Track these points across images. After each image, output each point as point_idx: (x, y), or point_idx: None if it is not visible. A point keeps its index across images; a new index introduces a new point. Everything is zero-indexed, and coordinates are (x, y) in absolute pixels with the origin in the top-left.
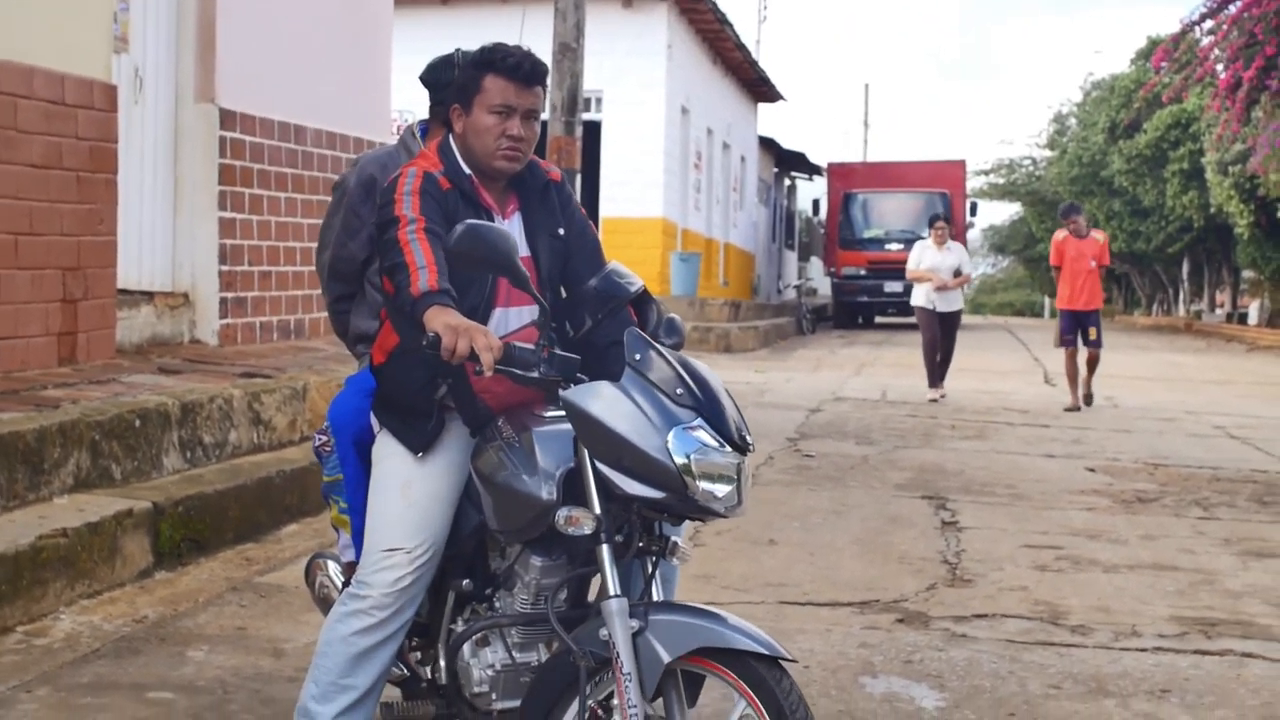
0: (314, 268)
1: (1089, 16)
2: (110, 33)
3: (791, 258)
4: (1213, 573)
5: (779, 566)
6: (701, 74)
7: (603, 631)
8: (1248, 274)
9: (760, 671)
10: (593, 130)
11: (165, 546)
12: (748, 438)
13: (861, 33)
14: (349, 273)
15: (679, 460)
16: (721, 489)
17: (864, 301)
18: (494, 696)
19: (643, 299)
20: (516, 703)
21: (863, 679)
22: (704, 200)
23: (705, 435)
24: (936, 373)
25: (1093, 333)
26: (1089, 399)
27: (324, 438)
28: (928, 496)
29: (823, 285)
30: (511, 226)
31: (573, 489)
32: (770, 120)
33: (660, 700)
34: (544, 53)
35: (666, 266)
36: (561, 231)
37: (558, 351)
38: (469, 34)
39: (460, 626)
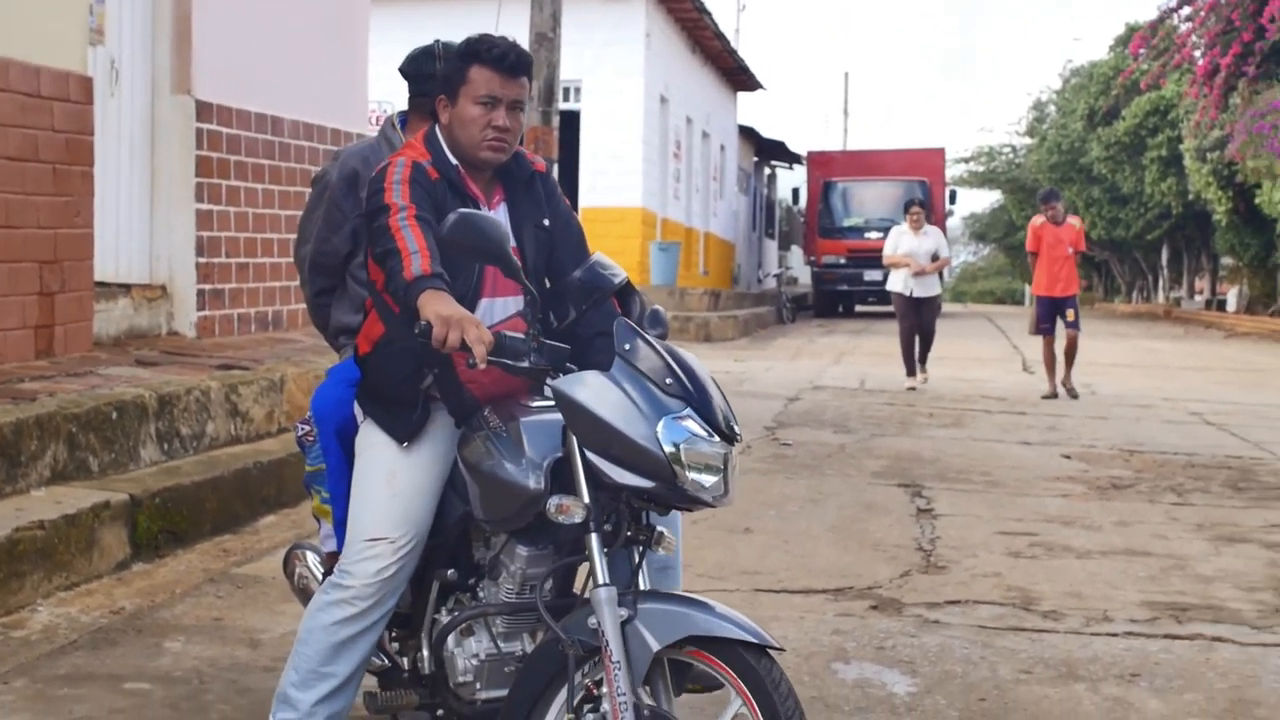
0: (291, 260)
1: (1069, 4)
2: (86, 25)
3: (772, 246)
4: (1185, 558)
5: (754, 554)
6: (680, 63)
7: (591, 620)
8: (1226, 260)
9: (748, 660)
10: (572, 120)
11: (142, 538)
12: (735, 427)
13: (841, 21)
14: (331, 266)
15: (668, 449)
16: (709, 479)
17: (844, 290)
18: (478, 686)
19: (626, 291)
20: (500, 692)
21: (835, 665)
22: (683, 189)
23: (694, 425)
24: (917, 358)
25: (1070, 314)
26: (1073, 392)
27: (307, 428)
28: (904, 484)
29: (803, 274)
30: (497, 217)
31: (560, 478)
32: (750, 109)
33: (646, 688)
34: (521, 42)
35: (646, 256)
36: (546, 222)
37: (547, 341)
38: (446, 24)
39: (444, 616)
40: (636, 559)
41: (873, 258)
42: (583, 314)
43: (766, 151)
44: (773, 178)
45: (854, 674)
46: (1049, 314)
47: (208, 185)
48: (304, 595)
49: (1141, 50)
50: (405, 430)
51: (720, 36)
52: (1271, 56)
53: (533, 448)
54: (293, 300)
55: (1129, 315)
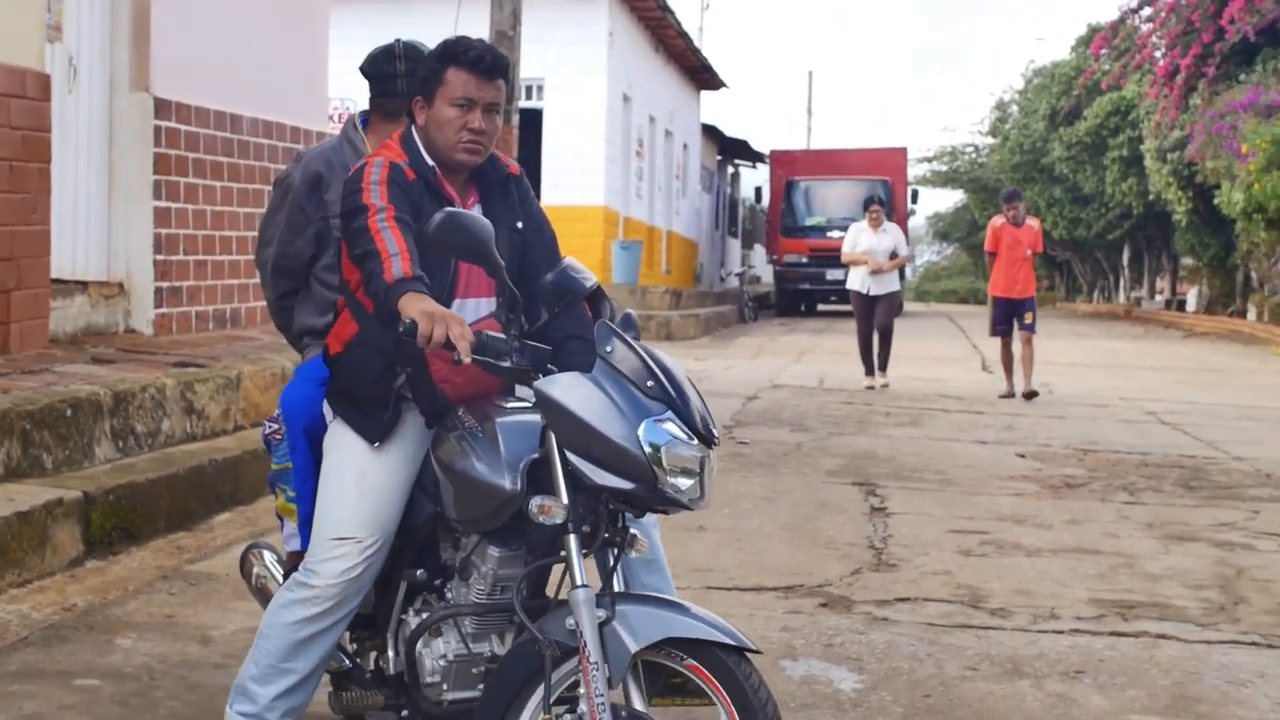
0: (249, 256)
1: (1032, 5)
2: (44, 21)
3: (735, 245)
4: (1134, 556)
5: (706, 552)
6: (643, 61)
7: (569, 621)
8: (1186, 261)
9: (726, 662)
10: (534, 118)
11: (96, 535)
12: (714, 430)
13: (805, 20)
14: (294, 269)
15: (649, 451)
16: (686, 481)
17: (806, 289)
18: (445, 687)
19: (596, 295)
20: (468, 693)
21: (783, 662)
22: (646, 188)
23: (674, 428)
24: (876, 362)
25: (1028, 317)
26: (1032, 394)
27: (274, 426)
28: (858, 483)
29: (766, 273)
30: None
31: (536, 479)
32: (714, 108)
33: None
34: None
35: (608, 254)
36: (520, 225)
37: (529, 342)
38: (406, 21)
39: (412, 616)
40: (612, 561)
41: (835, 257)
42: (554, 317)
43: (730, 150)
44: (736, 176)
45: (801, 671)
46: (1006, 316)
47: (166, 183)
48: (262, 595)
49: (1103, 51)
50: (376, 430)
51: (683, 35)
52: (1231, 58)
53: (508, 448)
54: (251, 298)
55: (1090, 315)
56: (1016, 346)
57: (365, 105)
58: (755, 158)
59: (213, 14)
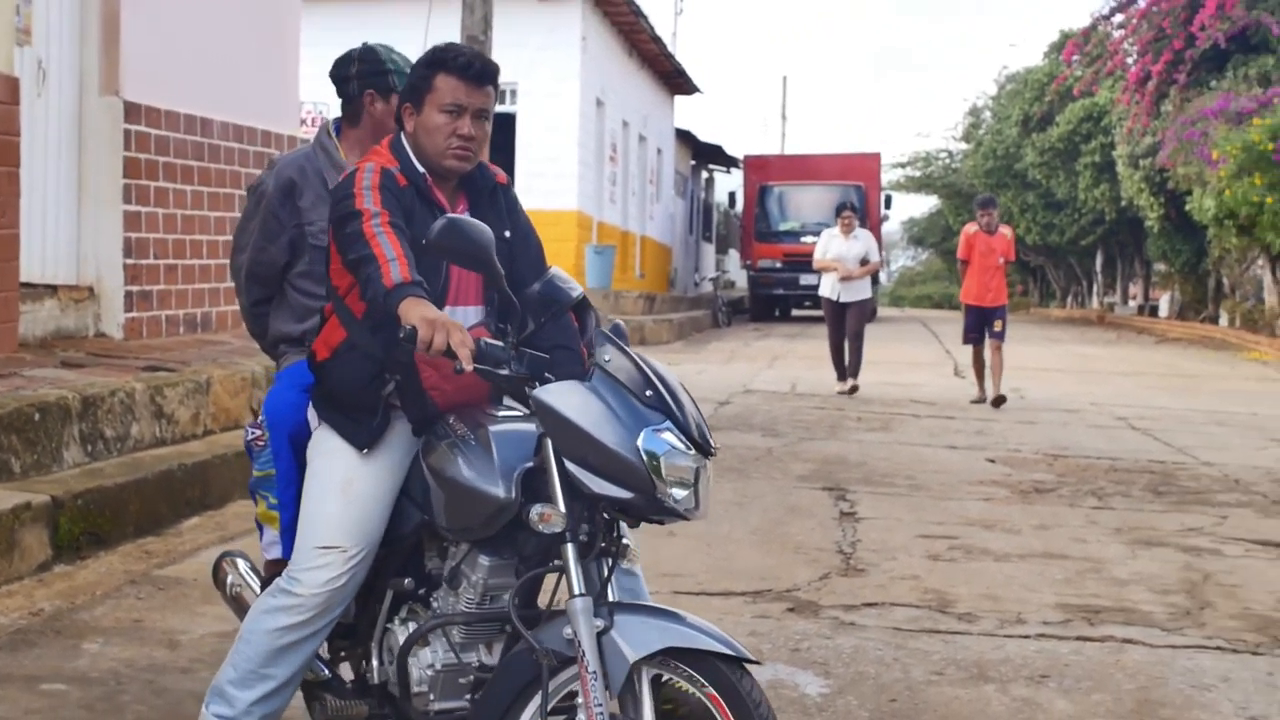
0: (220, 261)
1: (1005, 10)
2: (12, 25)
3: (709, 250)
4: (1101, 561)
5: (675, 557)
6: (617, 66)
7: (566, 630)
8: (1159, 266)
9: (725, 673)
10: (507, 122)
11: (64, 540)
12: (711, 440)
13: (779, 26)
14: (268, 276)
15: (648, 461)
16: (682, 491)
17: (779, 294)
18: (432, 697)
19: (582, 305)
20: (454, 703)
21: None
22: (620, 193)
23: (672, 437)
24: (847, 366)
25: (998, 325)
26: (1000, 400)
27: (257, 431)
28: (828, 488)
29: (740, 278)
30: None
31: (529, 488)
32: (688, 113)
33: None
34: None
35: (581, 259)
36: (508, 234)
37: (527, 350)
38: (378, 25)
39: (398, 625)
40: (606, 571)
41: (808, 262)
42: (541, 326)
43: (704, 155)
44: (710, 181)
45: (768, 675)
46: (977, 324)
47: (136, 187)
48: (237, 604)
49: (1075, 57)
50: (365, 437)
51: (657, 40)
52: (1202, 64)
53: (502, 457)
54: (222, 302)
55: (1063, 320)
56: (987, 353)
57: (338, 110)
58: (729, 163)
59: (183, 17)
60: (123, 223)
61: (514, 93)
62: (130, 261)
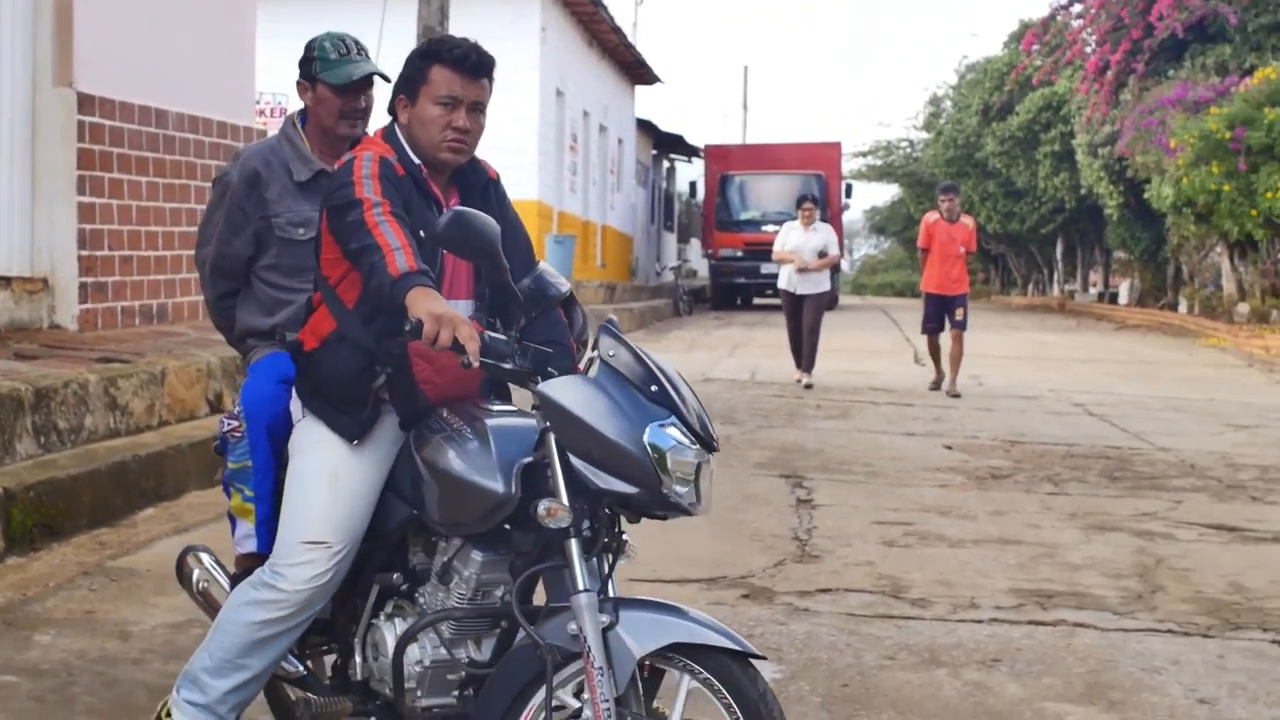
0: (175, 252)
1: (966, 0)
2: None
3: (670, 239)
4: (1055, 546)
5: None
6: (577, 57)
7: (570, 626)
8: (1119, 254)
9: (732, 668)
10: None
11: (16, 532)
12: (714, 435)
13: (740, 15)
14: (233, 270)
15: (654, 456)
16: (686, 486)
17: (741, 283)
18: (419, 693)
19: (569, 300)
20: (441, 700)
21: None
22: (580, 182)
23: (677, 432)
24: (802, 359)
25: (959, 314)
26: (955, 394)
27: (234, 423)
28: (785, 475)
29: (701, 267)
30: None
31: (528, 484)
32: (649, 103)
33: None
34: (408, 36)
35: (542, 249)
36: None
37: (530, 344)
38: (334, 15)
39: (383, 621)
40: (608, 567)
41: (769, 251)
42: (531, 321)
43: (665, 145)
44: (672, 171)
45: None
46: (938, 312)
47: (90, 178)
48: (205, 599)
49: (1034, 46)
50: (355, 428)
51: (617, 30)
52: (1160, 54)
53: (500, 451)
54: (178, 293)
55: (1024, 308)
56: (946, 341)
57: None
58: (691, 152)
59: (137, 9)
60: (77, 214)
61: None
62: (85, 253)
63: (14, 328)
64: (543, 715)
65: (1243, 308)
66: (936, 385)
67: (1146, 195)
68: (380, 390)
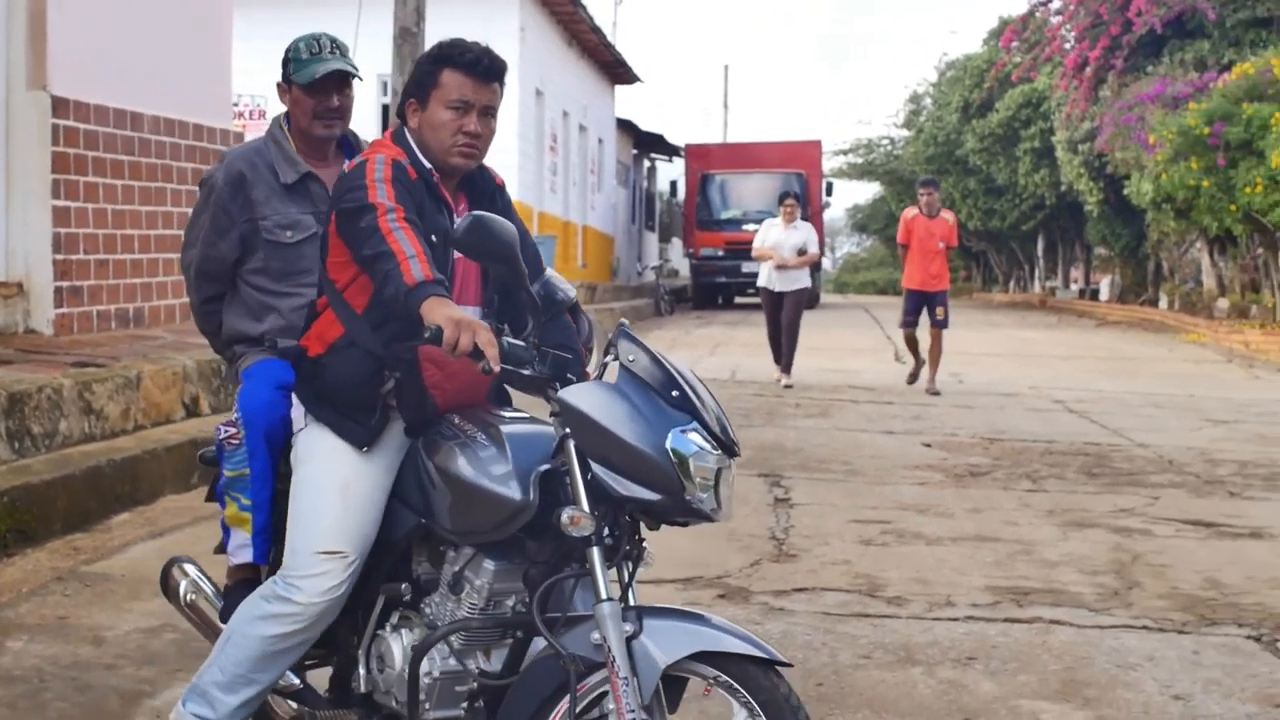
0: (152, 255)
1: None
2: None
3: (652, 239)
4: (1032, 543)
5: None
6: (556, 56)
7: (594, 636)
8: (1099, 251)
9: (759, 676)
10: None
11: None
12: (735, 440)
13: (720, 15)
14: (218, 273)
15: (676, 462)
16: (707, 492)
17: (722, 282)
18: (428, 705)
19: (575, 308)
20: (449, 712)
21: None
22: (560, 183)
23: (699, 438)
24: (780, 357)
25: (940, 312)
26: (935, 392)
27: (231, 430)
28: (764, 474)
29: (683, 266)
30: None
31: (545, 491)
32: (630, 102)
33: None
34: (384, 36)
35: None
36: None
37: (549, 349)
38: (311, 16)
39: (389, 633)
40: (628, 575)
41: (750, 250)
42: (539, 328)
43: (645, 144)
44: (652, 170)
45: None
46: (916, 308)
47: (65, 182)
48: (194, 611)
49: (1014, 43)
50: (364, 435)
51: (596, 30)
52: (1139, 50)
53: (517, 458)
54: (154, 297)
55: (1005, 305)
56: (924, 338)
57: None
58: (671, 151)
59: (111, 11)
60: (52, 218)
61: None
62: (60, 257)
63: None
64: None
65: (1222, 303)
66: (914, 377)
67: (1126, 191)
68: (388, 397)
